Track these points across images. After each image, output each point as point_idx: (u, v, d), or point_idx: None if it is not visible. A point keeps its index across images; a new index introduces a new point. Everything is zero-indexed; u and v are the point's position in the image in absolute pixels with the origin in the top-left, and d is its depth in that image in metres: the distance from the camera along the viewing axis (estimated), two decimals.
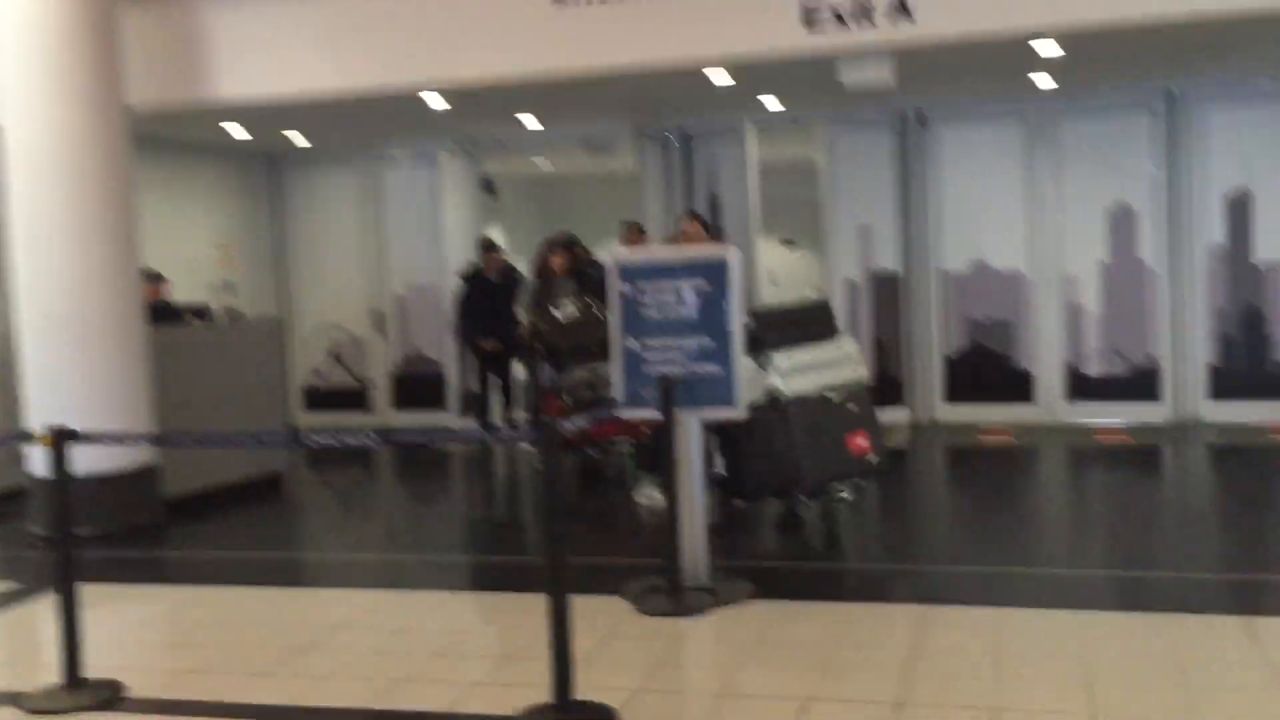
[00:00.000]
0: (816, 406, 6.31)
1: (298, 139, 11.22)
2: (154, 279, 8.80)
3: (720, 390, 5.61)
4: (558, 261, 8.76)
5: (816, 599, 5.55)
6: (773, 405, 6.26)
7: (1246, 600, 5.32)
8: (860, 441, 6.39)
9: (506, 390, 10.42)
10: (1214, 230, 9.87)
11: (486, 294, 10.05)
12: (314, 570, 6.88)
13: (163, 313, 8.51)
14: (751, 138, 10.60)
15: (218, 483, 8.18)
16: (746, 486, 6.56)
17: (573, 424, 7.21)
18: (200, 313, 8.96)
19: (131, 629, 5.55)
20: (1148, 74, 9.39)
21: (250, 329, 9.24)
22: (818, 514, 6.78)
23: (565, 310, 8.53)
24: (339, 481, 9.71)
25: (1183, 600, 5.26)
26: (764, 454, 6.33)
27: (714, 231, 9.25)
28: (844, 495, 6.68)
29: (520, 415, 10.27)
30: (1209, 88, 9.78)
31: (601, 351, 8.07)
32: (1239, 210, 9.83)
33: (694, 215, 8.90)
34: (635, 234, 9.49)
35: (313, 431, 10.89)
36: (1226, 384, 9.92)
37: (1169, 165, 9.90)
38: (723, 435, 6.44)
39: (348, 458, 10.08)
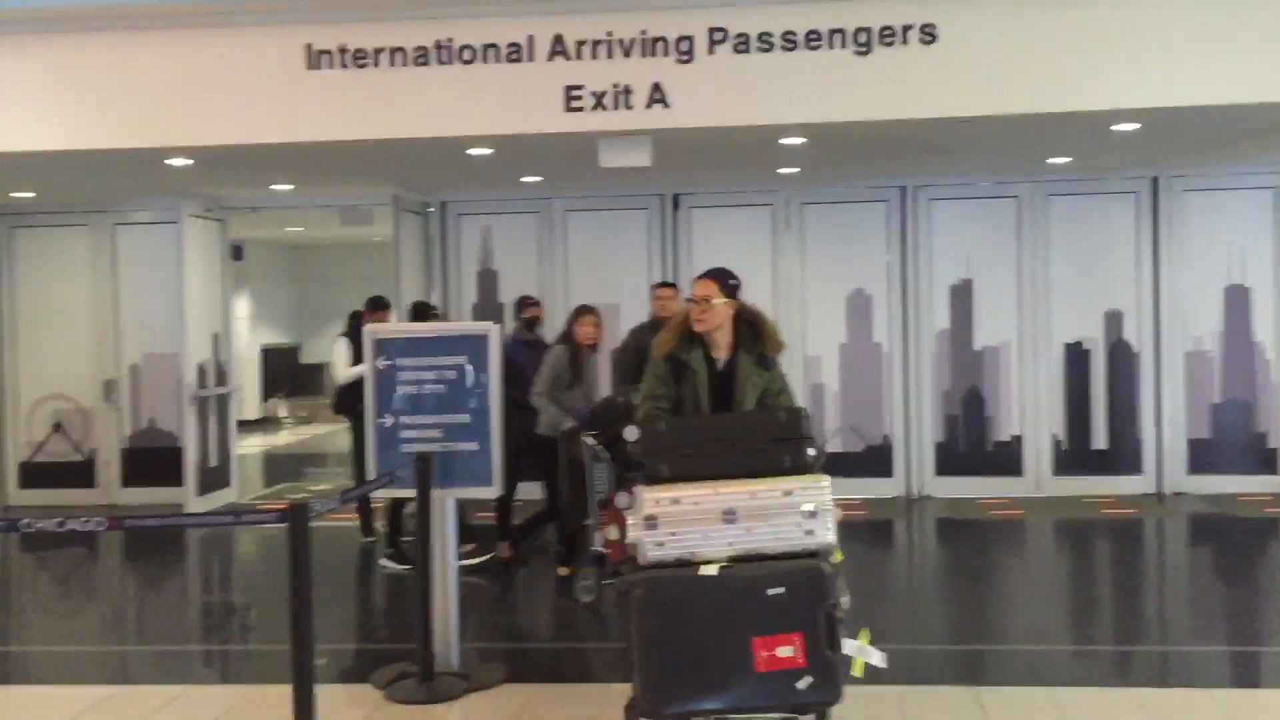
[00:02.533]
0: (692, 586, 3.84)
1: (25, 195, 10.49)
2: None
3: (477, 468, 5.55)
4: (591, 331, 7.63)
5: (569, 680, 5.51)
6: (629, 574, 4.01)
7: (973, 671, 5.64)
8: (779, 651, 3.81)
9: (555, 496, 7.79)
10: (940, 317, 10.60)
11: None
12: (29, 665, 6.29)
13: None
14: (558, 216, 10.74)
15: None
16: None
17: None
18: None
19: None
20: (883, 169, 10.06)
21: None
22: None
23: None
24: (57, 565, 8.97)
25: (914, 672, 5.52)
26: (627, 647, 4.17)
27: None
28: None
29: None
30: (937, 185, 10.57)
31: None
32: (961, 298, 10.61)
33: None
34: (666, 295, 7.76)
35: (30, 510, 10.06)
36: (951, 461, 10.60)
37: (901, 255, 10.59)
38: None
39: (68, 539, 9.33)
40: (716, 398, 4.53)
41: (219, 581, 8.66)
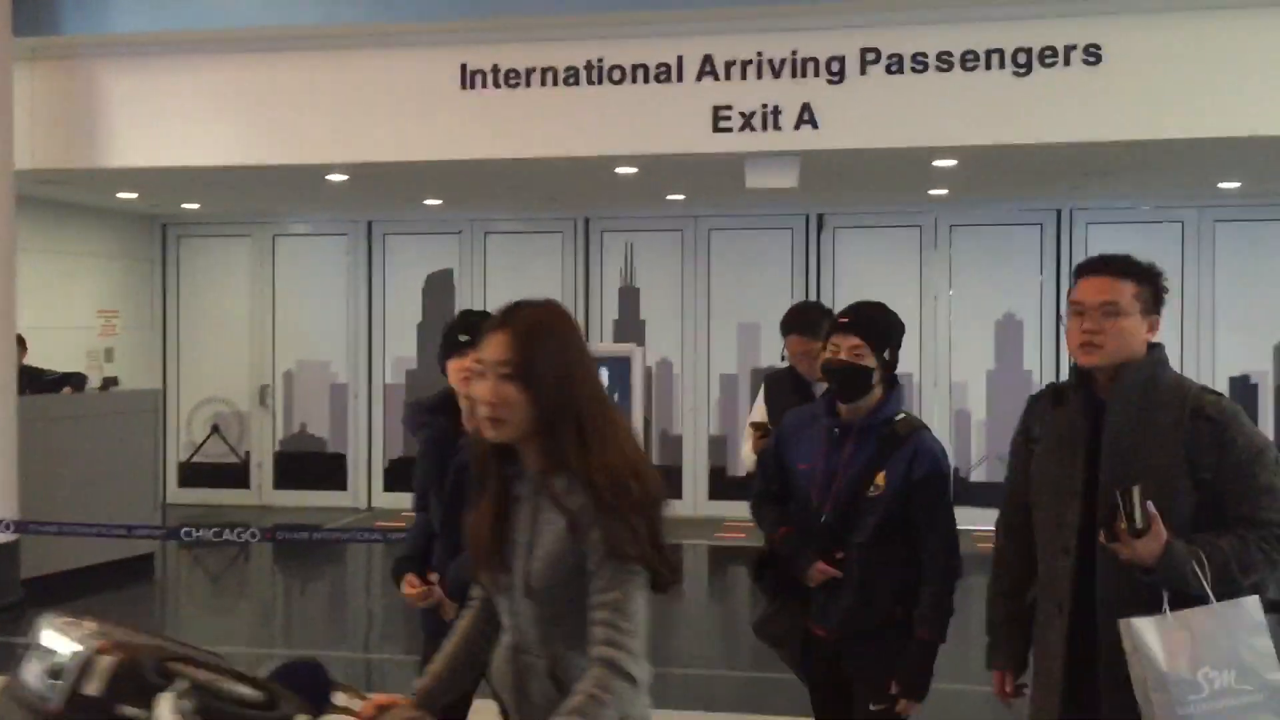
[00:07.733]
0: None
1: (191, 206, 10.96)
2: (18, 343, 8.33)
3: None
4: None
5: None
6: None
7: None
8: None
9: None
10: None
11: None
12: None
13: (30, 379, 8.09)
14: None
15: (84, 562, 7.76)
16: None
17: None
18: (75, 381, 8.57)
19: None
20: (1038, 192, 9.74)
21: (126, 400, 8.88)
22: None
23: None
24: (213, 564, 9.31)
25: None
26: None
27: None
28: None
29: None
30: (1095, 208, 10.19)
31: None
32: None
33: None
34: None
35: (187, 509, 10.48)
36: None
37: (1055, 279, 10.24)
38: None
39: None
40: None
41: (362, 589, 8.86)
